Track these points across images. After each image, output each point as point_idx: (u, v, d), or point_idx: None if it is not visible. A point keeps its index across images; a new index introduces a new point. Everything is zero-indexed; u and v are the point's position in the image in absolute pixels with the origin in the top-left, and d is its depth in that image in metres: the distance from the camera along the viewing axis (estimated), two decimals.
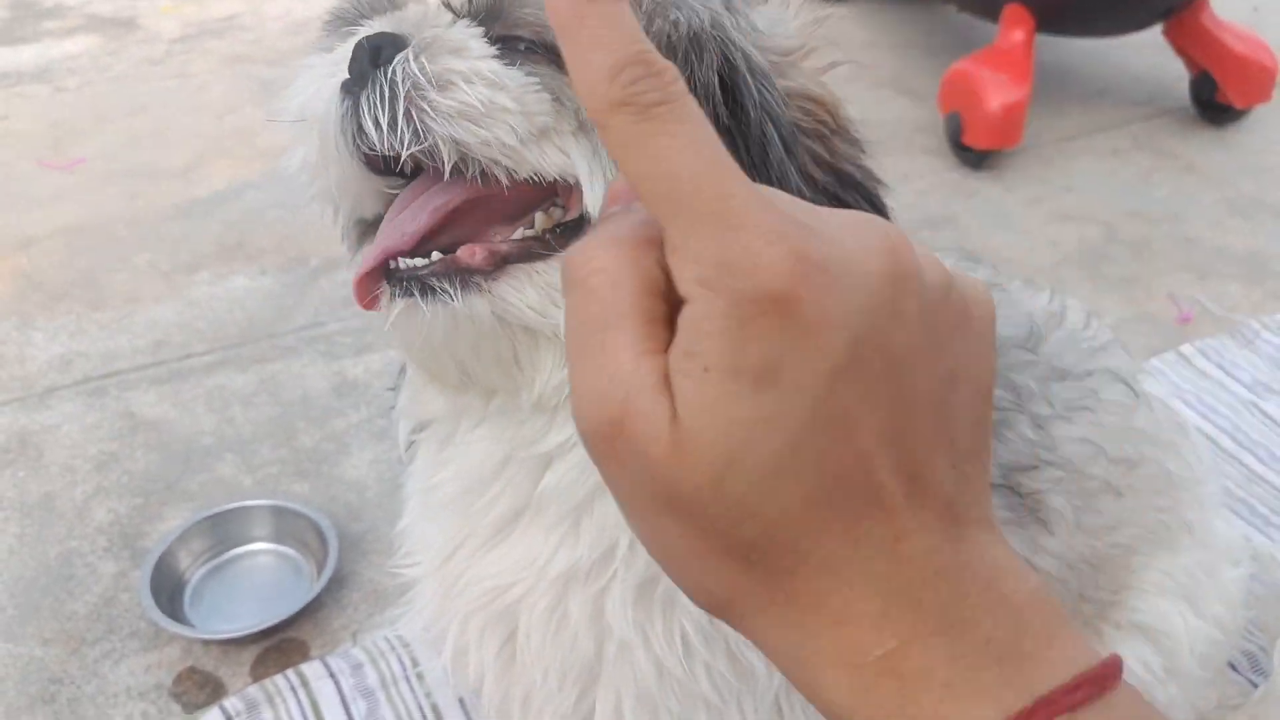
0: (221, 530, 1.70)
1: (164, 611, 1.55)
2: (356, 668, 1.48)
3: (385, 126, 0.70)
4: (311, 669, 1.48)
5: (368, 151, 0.72)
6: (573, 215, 0.74)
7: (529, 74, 0.72)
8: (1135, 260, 2.45)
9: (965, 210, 2.64)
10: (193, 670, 1.52)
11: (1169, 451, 1.13)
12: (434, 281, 0.72)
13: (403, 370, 0.94)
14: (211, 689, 1.49)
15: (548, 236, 0.74)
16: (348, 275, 0.78)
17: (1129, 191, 2.73)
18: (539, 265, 0.74)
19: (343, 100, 0.72)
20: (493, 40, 0.73)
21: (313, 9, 3.71)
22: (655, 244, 0.43)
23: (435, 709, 1.43)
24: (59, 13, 3.78)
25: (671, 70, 0.41)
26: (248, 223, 2.56)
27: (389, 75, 0.70)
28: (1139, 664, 1.11)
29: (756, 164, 0.75)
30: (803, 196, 0.71)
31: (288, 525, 1.71)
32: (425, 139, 0.70)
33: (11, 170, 2.80)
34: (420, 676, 1.47)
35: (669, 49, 0.73)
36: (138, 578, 1.62)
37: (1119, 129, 3.02)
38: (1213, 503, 1.21)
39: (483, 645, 0.91)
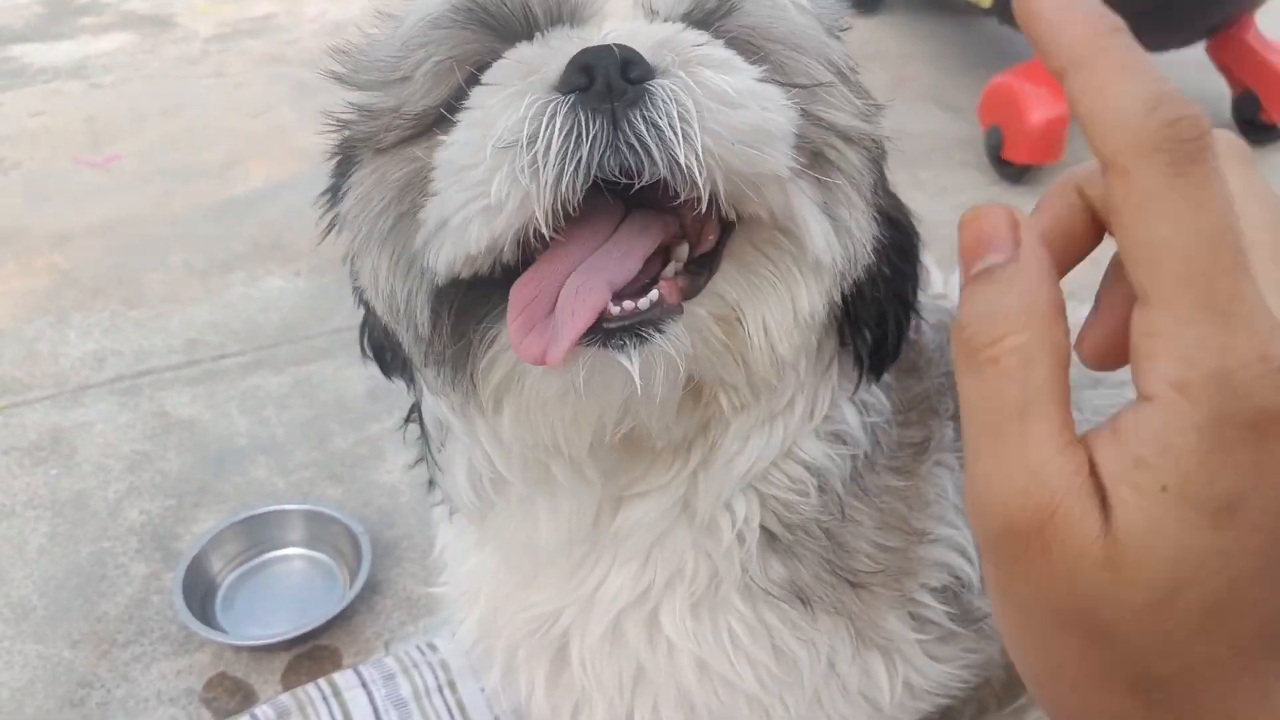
0: (254, 534, 1.68)
1: (195, 615, 1.53)
2: (389, 678, 1.46)
3: (654, 147, 0.59)
4: (343, 678, 1.46)
5: (599, 178, 0.60)
6: (704, 249, 0.67)
7: (789, 96, 0.65)
8: None
9: None
10: (224, 676, 1.50)
11: None
12: (649, 329, 0.62)
13: (427, 454, 0.89)
14: (242, 696, 1.48)
15: (692, 269, 0.67)
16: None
17: None
18: (701, 299, 0.67)
19: (590, 118, 0.59)
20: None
21: (348, 11, 3.72)
22: (1063, 311, 0.39)
23: None
24: (95, 9, 3.80)
25: (1205, 118, 0.35)
26: (283, 223, 2.55)
27: (660, 90, 0.59)
28: None
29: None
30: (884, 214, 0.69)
31: (321, 530, 1.69)
32: (696, 166, 0.59)
33: (48, 167, 2.81)
34: (453, 685, 1.45)
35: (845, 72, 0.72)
36: (169, 580, 1.61)
37: None
38: None
39: (532, 668, 0.91)
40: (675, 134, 0.58)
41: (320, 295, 2.29)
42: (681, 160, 0.58)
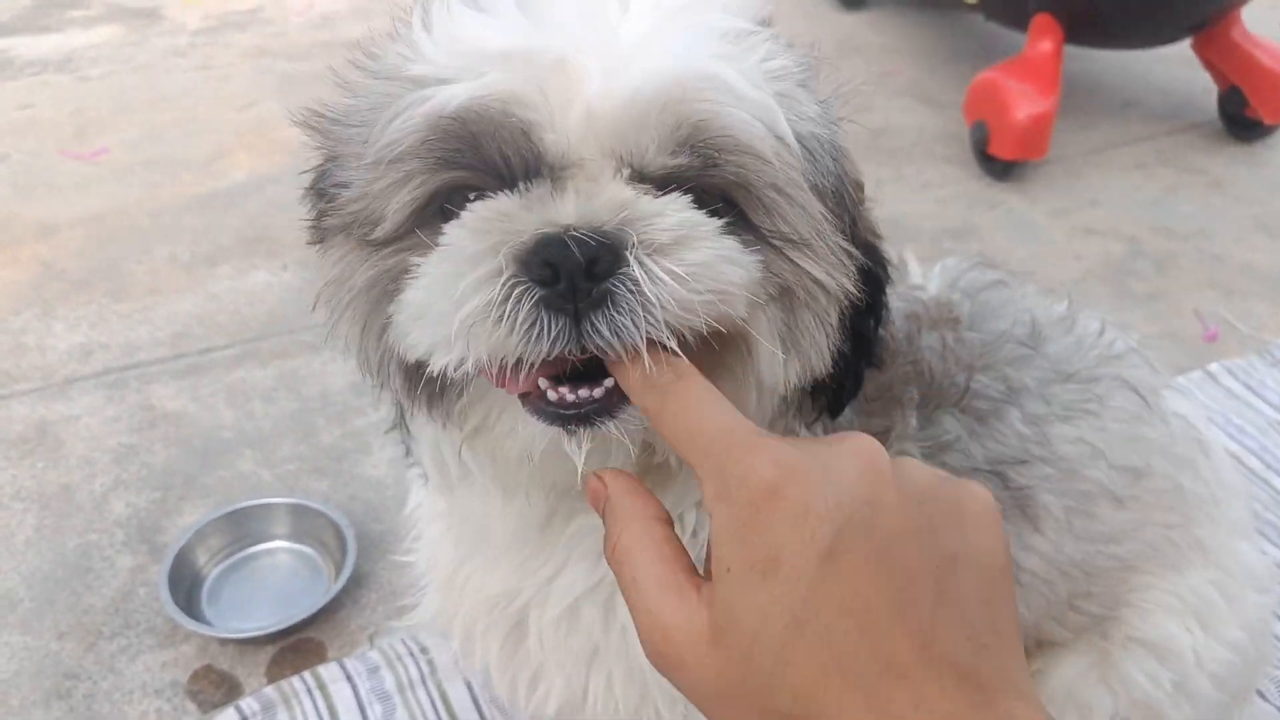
0: (240, 527, 1.69)
1: (181, 608, 1.54)
2: (373, 670, 1.47)
3: (615, 340, 0.63)
4: (328, 671, 1.47)
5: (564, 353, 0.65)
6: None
7: (748, 247, 0.69)
8: (1160, 276, 2.43)
9: (988, 221, 2.62)
10: (209, 669, 1.51)
11: (1184, 468, 1.11)
12: (604, 416, 0.68)
13: (400, 423, 0.93)
14: (228, 688, 1.48)
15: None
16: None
17: (1154, 206, 2.71)
18: None
19: (553, 318, 0.63)
20: (695, 195, 0.68)
21: (334, 4, 3.71)
22: (654, 511, 0.60)
23: (452, 714, 1.42)
24: (83, 2, 3.79)
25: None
26: (268, 216, 2.55)
27: (621, 292, 0.62)
28: (1146, 679, 1.10)
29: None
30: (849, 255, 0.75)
31: (306, 524, 1.70)
32: (660, 331, 0.63)
33: (34, 159, 2.80)
34: (439, 682, 1.46)
35: (836, 196, 0.75)
36: (155, 572, 1.62)
37: (1145, 143, 3.00)
38: (1238, 526, 1.18)
39: (487, 643, 0.97)
40: (637, 329, 0.63)
41: (306, 288, 2.29)
42: (641, 344, 0.63)
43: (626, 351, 0.63)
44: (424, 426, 0.85)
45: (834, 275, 0.74)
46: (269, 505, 1.71)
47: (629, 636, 0.89)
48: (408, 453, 0.96)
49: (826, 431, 0.86)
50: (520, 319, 0.63)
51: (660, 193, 0.67)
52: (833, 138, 0.76)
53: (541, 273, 0.62)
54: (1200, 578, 1.13)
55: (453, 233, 0.66)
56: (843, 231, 0.76)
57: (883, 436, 0.92)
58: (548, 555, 0.90)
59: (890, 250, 1.10)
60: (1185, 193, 2.78)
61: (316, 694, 1.44)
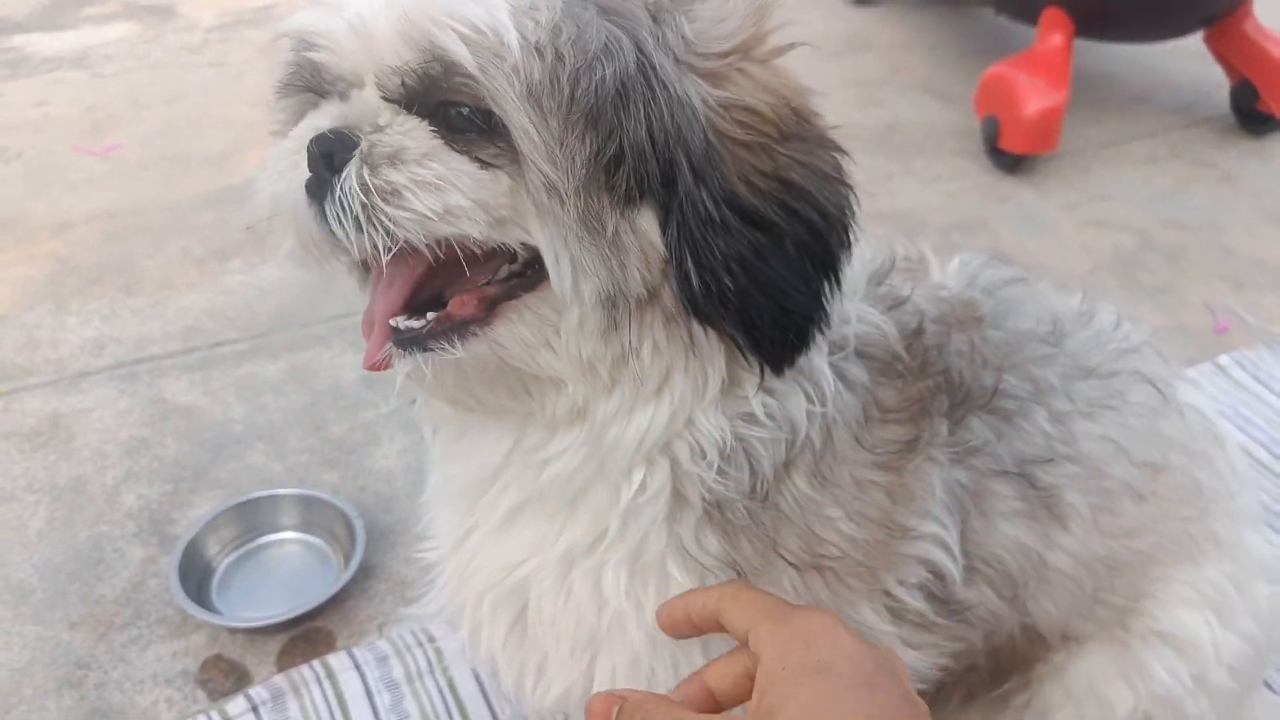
0: (250, 518, 1.70)
1: (191, 598, 1.55)
2: (382, 660, 1.48)
3: (353, 234, 0.74)
4: (337, 660, 1.48)
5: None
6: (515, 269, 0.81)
7: (482, 165, 0.75)
8: (1171, 269, 2.42)
9: (998, 215, 2.62)
10: (219, 658, 1.52)
11: (1200, 461, 1.11)
12: (432, 342, 0.78)
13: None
14: (237, 677, 1.50)
15: (529, 274, 0.80)
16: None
17: (1165, 200, 2.70)
18: (527, 299, 0.79)
19: (310, 204, 0.76)
20: (435, 120, 0.76)
21: None
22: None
23: (460, 703, 1.43)
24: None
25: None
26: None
27: (342, 188, 0.74)
28: (1166, 673, 1.10)
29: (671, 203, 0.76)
30: (739, 215, 0.76)
31: (316, 515, 1.71)
32: (394, 240, 0.74)
33: (49, 155, 2.83)
34: (445, 668, 1.47)
35: (596, 112, 0.73)
36: (166, 563, 1.63)
37: (1156, 137, 2.99)
38: (1248, 517, 1.19)
39: (495, 622, 0.99)
40: (360, 222, 0.74)
41: (316, 283, 2.31)
42: (367, 239, 0.74)
43: (369, 249, 0.74)
44: None
45: (559, 172, 0.76)
46: (279, 497, 1.72)
47: (624, 622, 0.90)
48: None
49: (768, 388, 0.86)
50: (297, 200, 0.77)
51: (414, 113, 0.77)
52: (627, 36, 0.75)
53: (310, 166, 0.76)
54: (1216, 570, 1.13)
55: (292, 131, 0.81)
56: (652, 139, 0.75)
57: (909, 445, 0.92)
58: (532, 514, 0.93)
59: (905, 244, 1.10)
60: (1196, 186, 2.76)
61: (325, 683, 1.45)
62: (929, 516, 0.94)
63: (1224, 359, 2.05)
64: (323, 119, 0.79)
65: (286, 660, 1.52)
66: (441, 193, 0.74)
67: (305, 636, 1.55)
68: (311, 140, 0.76)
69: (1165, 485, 1.08)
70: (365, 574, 1.63)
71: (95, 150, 2.84)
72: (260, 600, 1.61)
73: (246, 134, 2.92)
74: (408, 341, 0.78)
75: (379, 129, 0.76)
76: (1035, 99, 2.65)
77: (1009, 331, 1.03)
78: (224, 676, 1.50)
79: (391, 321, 0.79)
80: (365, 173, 0.74)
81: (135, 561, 1.67)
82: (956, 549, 0.95)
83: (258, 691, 1.44)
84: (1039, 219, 2.61)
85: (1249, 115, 2.98)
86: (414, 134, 0.76)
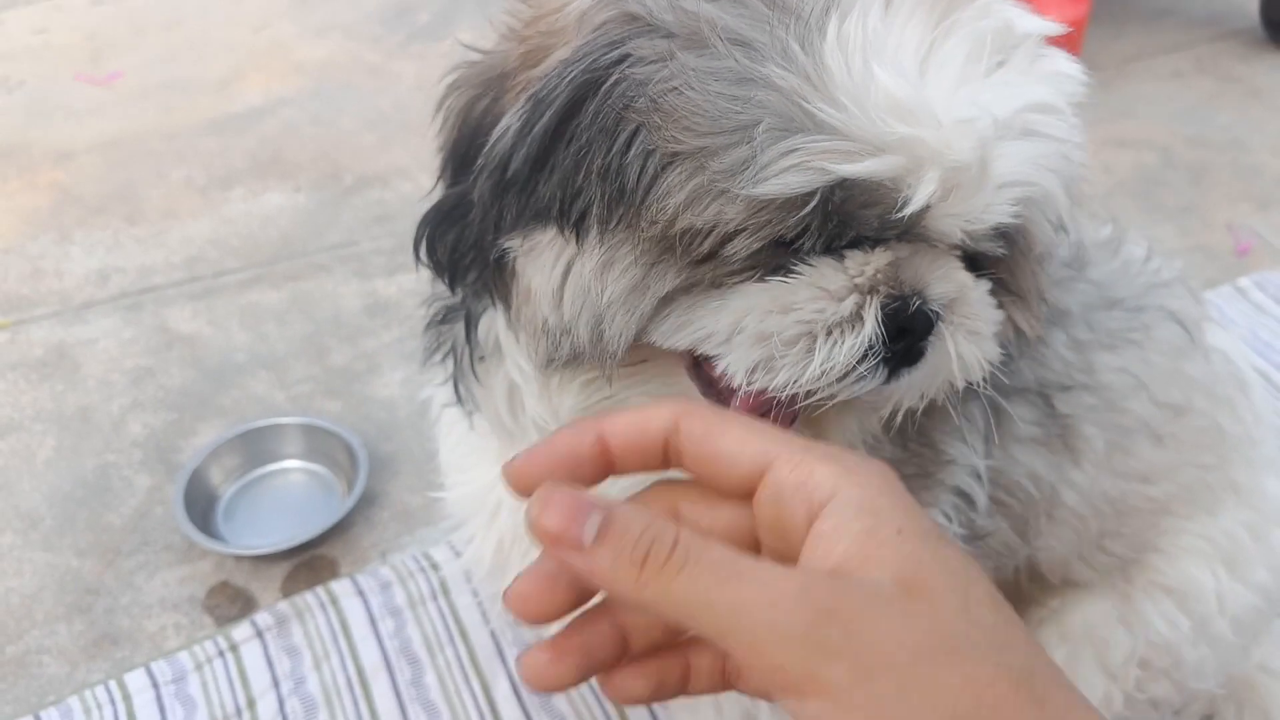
0: (254, 447, 1.70)
1: (197, 526, 1.56)
2: (385, 586, 1.49)
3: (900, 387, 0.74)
4: (340, 586, 1.49)
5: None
6: None
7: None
8: (1193, 188, 2.35)
9: None
10: (225, 584, 1.53)
11: (1224, 407, 1.07)
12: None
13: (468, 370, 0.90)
14: (243, 603, 1.51)
15: None
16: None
17: (1190, 116, 2.62)
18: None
19: (876, 369, 0.71)
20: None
21: None
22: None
23: (462, 629, 1.44)
24: None
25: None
26: (282, 138, 2.53)
27: (922, 355, 0.73)
28: (1164, 623, 1.09)
29: None
30: None
31: (319, 443, 1.71)
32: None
33: (49, 84, 2.79)
34: (447, 593, 1.47)
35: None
36: (172, 492, 1.64)
37: (1182, 51, 2.89)
38: (1270, 463, 1.13)
39: (525, 561, 0.93)
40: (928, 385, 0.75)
41: (319, 211, 2.28)
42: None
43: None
44: (500, 382, 0.86)
45: (1033, 326, 0.84)
46: (282, 425, 1.72)
47: None
48: (460, 400, 0.93)
49: None
50: (853, 369, 0.71)
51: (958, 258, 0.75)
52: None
53: (889, 330, 0.70)
54: (1232, 519, 1.10)
55: (823, 268, 0.70)
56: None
57: None
58: None
59: None
60: (1222, 103, 2.68)
61: (329, 608, 1.46)
62: (963, 441, 0.92)
63: (1244, 281, 2.01)
64: (880, 259, 0.76)
65: (291, 587, 1.53)
66: (988, 344, 0.77)
67: (309, 564, 1.56)
68: (905, 319, 0.73)
69: (1186, 429, 1.04)
70: (368, 502, 1.63)
71: (95, 78, 2.80)
72: (265, 528, 1.62)
73: (246, 60, 2.87)
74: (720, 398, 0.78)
75: (965, 296, 0.76)
76: (1054, 11, 2.53)
77: None
78: (230, 603, 1.51)
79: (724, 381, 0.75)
80: (955, 344, 0.75)
81: (142, 490, 1.68)
82: (984, 474, 0.94)
83: (262, 617, 1.45)
84: None
85: (1279, 28, 2.88)
86: (983, 299, 0.77)
